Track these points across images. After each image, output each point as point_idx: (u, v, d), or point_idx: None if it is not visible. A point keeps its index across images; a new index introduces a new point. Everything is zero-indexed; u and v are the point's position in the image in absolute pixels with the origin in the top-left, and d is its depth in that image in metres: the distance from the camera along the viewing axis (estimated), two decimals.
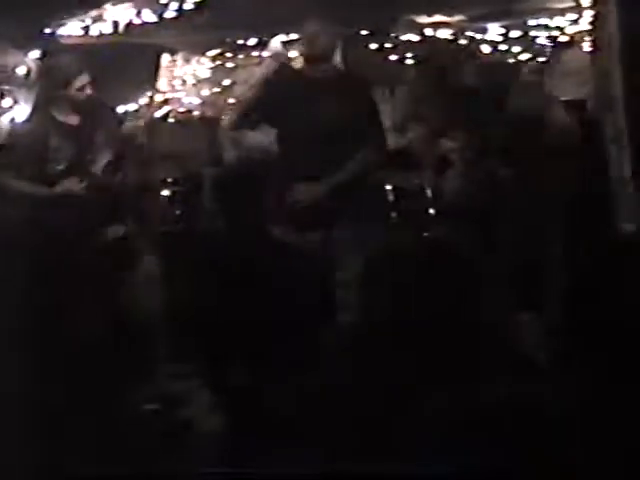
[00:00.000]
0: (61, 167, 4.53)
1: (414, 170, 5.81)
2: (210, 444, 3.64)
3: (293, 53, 5.95)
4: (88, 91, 4.54)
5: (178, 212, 5.74)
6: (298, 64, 4.91)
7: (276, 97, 4.65)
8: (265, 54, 5.25)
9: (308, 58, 4.71)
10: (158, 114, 4.92)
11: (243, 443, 3.23)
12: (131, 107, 5.28)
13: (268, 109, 4.65)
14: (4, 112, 5.14)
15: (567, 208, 5.06)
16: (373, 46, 6.32)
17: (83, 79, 4.51)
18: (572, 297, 2.22)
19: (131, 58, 5.38)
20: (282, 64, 4.93)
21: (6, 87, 5.22)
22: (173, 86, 5.64)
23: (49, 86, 4.57)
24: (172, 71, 5.64)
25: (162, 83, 4.54)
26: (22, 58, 5.21)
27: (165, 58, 4.58)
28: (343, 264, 4.37)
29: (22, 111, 4.98)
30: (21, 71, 5.27)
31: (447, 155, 5.67)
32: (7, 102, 5.17)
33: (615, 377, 2.00)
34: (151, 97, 5.03)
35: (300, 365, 3.53)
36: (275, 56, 4.99)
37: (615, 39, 4.46)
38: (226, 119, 5.04)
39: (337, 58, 5.07)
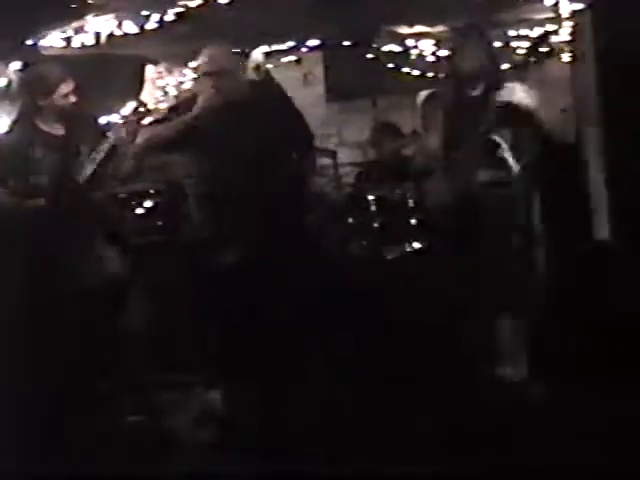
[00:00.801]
0: (44, 179, 4.52)
1: (395, 180, 5.84)
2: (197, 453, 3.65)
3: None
4: (72, 98, 4.53)
5: (160, 223, 5.74)
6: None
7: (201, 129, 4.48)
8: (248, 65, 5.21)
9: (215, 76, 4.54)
10: (140, 125, 4.90)
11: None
12: (113, 118, 5.28)
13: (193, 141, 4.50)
14: None
15: (545, 216, 5.09)
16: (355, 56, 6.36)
17: (67, 86, 4.50)
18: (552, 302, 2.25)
19: (113, 69, 5.39)
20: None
21: None
22: (155, 97, 5.63)
23: (33, 95, 4.55)
24: (154, 82, 5.63)
25: (144, 94, 4.51)
26: (3, 69, 5.20)
27: (148, 69, 4.54)
28: None
29: (3, 122, 4.97)
30: (1, 82, 5.25)
31: (428, 165, 5.69)
32: None
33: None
34: (134, 108, 5.02)
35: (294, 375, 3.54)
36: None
37: (593, 50, 4.50)
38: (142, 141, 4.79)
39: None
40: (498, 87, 4.29)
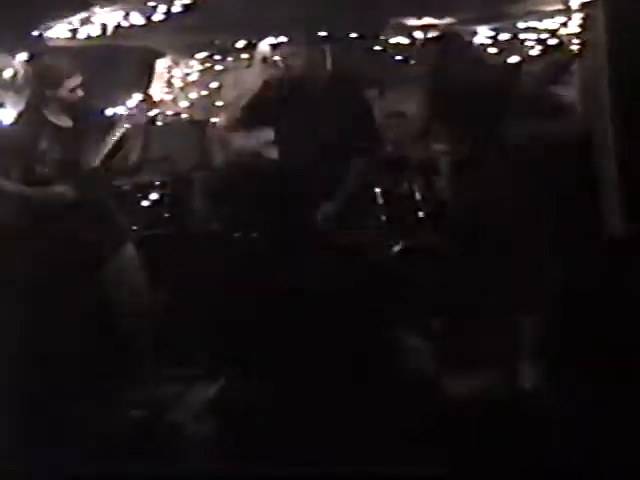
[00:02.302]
0: (50, 169, 4.52)
1: (403, 173, 5.82)
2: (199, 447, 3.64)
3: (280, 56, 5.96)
4: (80, 93, 4.53)
5: (167, 215, 5.73)
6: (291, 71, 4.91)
7: (274, 101, 4.70)
8: (256, 57, 5.23)
9: (298, 69, 4.77)
10: (147, 117, 4.89)
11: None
12: (120, 110, 5.27)
13: (266, 112, 4.70)
14: None
15: (557, 209, 5.07)
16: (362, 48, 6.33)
17: (75, 80, 4.50)
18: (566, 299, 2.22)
19: (120, 61, 5.37)
20: (276, 70, 4.94)
21: None
22: (161, 89, 5.62)
23: (41, 86, 4.55)
24: (161, 74, 5.62)
25: (153, 87, 4.52)
26: (9, 60, 5.18)
27: (158, 63, 4.57)
28: None
29: (8, 114, 4.95)
30: (8, 74, 5.24)
31: (436, 158, 5.68)
32: None
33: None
34: (140, 100, 5.00)
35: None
36: (267, 61, 5.00)
37: (603, 42, 4.47)
38: (223, 119, 5.04)
39: (328, 63, 5.07)
40: None
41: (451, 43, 4.83)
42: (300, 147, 4.61)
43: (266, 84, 4.82)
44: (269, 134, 4.90)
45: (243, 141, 5.59)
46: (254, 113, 4.74)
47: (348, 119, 4.57)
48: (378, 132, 4.89)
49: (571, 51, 5.31)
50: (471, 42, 5.63)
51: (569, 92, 5.61)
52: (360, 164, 4.64)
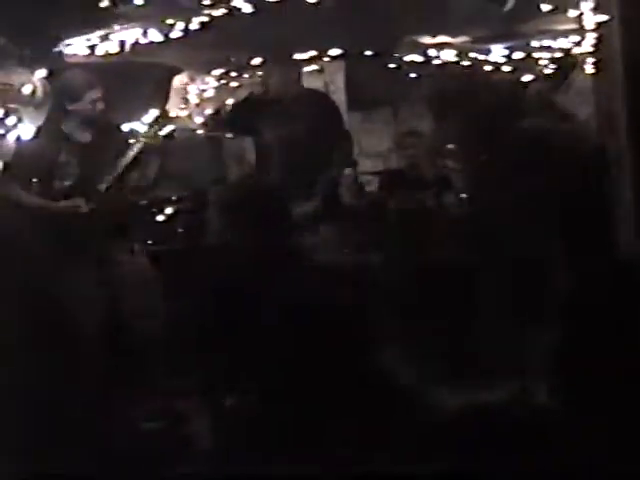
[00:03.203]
0: (68, 183, 4.57)
1: (415, 189, 5.85)
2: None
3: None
4: (100, 106, 4.59)
5: (181, 230, 5.76)
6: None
7: (255, 110, 5.29)
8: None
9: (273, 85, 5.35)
10: (163, 133, 4.94)
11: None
12: (137, 126, 5.31)
13: (247, 119, 5.27)
14: (10, 130, 5.17)
15: (569, 227, 5.08)
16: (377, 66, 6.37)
17: (93, 96, 4.56)
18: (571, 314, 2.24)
19: (137, 77, 5.42)
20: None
21: (12, 105, 5.25)
22: (178, 105, 5.67)
23: (60, 102, 4.62)
24: (177, 90, 5.66)
25: (170, 103, 4.58)
26: (28, 77, 5.24)
27: (176, 79, 4.64)
28: None
29: (28, 129, 5.01)
30: (27, 90, 5.30)
31: (449, 174, 5.72)
32: (12, 120, 5.19)
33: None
34: (157, 116, 5.05)
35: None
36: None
37: (618, 61, 4.49)
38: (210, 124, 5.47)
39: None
40: None
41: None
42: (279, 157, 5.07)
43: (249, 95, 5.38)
44: None
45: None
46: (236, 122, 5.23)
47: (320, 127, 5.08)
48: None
49: (583, 69, 5.34)
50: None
51: (584, 111, 5.63)
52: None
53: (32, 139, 4.80)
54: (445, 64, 5.88)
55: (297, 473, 2.83)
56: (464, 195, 5.44)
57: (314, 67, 6.53)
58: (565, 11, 5.23)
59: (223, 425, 3.93)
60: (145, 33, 5.00)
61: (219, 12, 5.00)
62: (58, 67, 5.05)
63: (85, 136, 4.67)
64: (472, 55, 5.88)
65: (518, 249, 5.01)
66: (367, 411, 3.24)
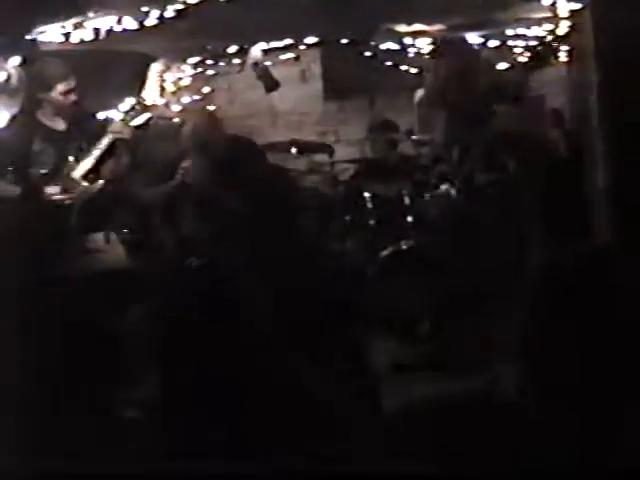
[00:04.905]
0: (43, 171, 4.55)
1: (393, 179, 5.86)
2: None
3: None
4: (72, 97, 4.57)
5: (160, 220, 5.74)
6: None
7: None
8: (247, 62, 5.32)
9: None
10: (138, 121, 4.92)
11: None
12: (112, 114, 5.30)
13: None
14: None
15: (544, 219, 5.11)
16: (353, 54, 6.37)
17: (68, 83, 4.54)
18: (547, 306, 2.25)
19: (113, 65, 5.40)
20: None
21: None
22: (153, 93, 5.65)
23: (35, 89, 4.60)
24: (153, 78, 5.64)
25: (146, 91, 4.57)
26: (2, 64, 5.20)
27: (150, 66, 4.62)
28: None
29: (2, 117, 4.98)
30: (1, 77, 5.25)
31: (430, 164, 5.74)
32: None
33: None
34: (132, 104, 5.03)
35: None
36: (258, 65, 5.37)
37: (591, 50, 4.51)
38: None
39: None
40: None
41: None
42: None
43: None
44: None
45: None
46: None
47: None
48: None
49: (558, 58, 5.36)
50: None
51: (558, 100, 5.67)
52: None
53: (7, 127, 4.77)
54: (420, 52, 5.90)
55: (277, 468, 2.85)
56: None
57: (290, 55, 6.53)
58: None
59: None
60: (119, 21, 4.97)
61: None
62: (32, 55, 5.01)
63: (59, 124, 4.65)
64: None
65: (494, 236, 5.05)
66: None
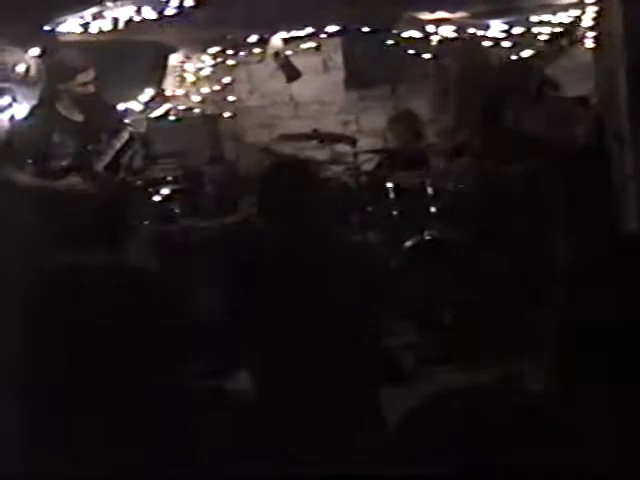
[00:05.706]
0: (64, 163, 4.52)
1: (416, 169, 5.80)
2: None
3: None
4: (91, 88, 4.54)
5: (177, 210, 5.71)
6: None
7: None
8: (268, 51, 5.25)
9: None
10: (158, 112, 4.88)
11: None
12: (132, 105, 5.26)
13: None
14: (3, 109, 5.12)
15: (570, 206, 5.03)
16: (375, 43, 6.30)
17: (88, 75, 4.52)
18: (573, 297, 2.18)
19: (132, 56, 5.36)
20: None
21: (5, 85, 5.20)
22: (173, 83, 5.62)
23: (54, 80, 4.58)
24: (173, 68, 5.61)
25: (166, 82, 4.53)
26: (21, 55, 5.18)
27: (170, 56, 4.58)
28: None
29: (22, 109, 4.96)
30: (20, 68, 5.24)
31: (451, 152, 5.67)
32: (6, 100, 5.14)
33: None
34: (152, 95, 4.99)
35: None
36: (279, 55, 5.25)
37: (619, 36, 4.43)
38: None
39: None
40: None
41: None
42: None
43: None
44: None
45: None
46: None
47: None
48: None
49: (584, 44, 5.27)
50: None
51: (585, 87, 5.57)
52: None
53: (26, 118, 4.75)
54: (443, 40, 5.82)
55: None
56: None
57: (311, 44, 6.47)
58: None
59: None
60: (139, 10, 4.93)
61: None
62: (51, 45, 4.99)
63: (78, 115, 4.62)
64: (471, 31, 5.83)
65: (519, 226, 4.98)
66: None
